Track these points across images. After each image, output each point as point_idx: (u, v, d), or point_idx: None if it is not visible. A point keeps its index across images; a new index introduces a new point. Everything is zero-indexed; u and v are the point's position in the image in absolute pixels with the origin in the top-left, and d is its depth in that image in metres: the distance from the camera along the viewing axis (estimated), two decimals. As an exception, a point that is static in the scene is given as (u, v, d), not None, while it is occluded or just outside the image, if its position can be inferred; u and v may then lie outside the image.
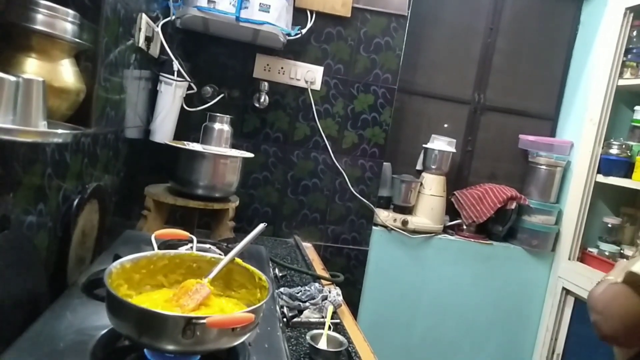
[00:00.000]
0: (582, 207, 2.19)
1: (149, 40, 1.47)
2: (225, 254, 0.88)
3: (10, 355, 0.68)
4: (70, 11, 0.85)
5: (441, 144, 2.25)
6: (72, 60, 0.91)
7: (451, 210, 2.34)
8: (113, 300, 0.67)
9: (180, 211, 1.64)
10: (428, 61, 2.32)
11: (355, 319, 1.36)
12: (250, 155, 1.67)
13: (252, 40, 1.83)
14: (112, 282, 0.72)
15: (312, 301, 1.24)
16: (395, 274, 2.20)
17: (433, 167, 2.25)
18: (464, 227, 2.31)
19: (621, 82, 2.12)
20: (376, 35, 2.01)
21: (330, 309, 1.22)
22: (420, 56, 2.30)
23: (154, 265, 0.83)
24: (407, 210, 2.23)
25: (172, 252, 0.87)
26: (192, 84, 1.74)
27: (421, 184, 2.24)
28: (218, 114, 1.73)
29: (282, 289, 1.27)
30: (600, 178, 2.14)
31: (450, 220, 2.33)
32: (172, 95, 1.64)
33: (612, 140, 2.12)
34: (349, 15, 1.96)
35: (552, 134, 2.47)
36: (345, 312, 1.33)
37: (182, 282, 0.81)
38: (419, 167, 2.34)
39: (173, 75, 1.62)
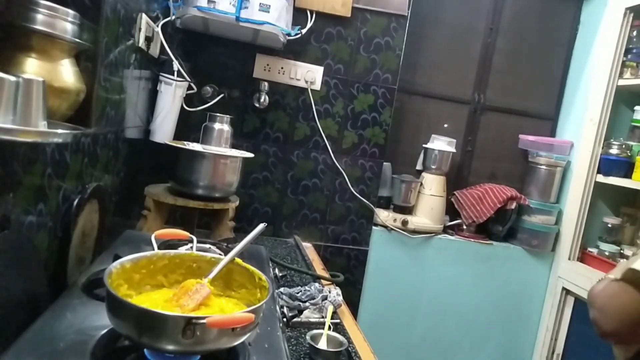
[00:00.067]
0: (582, 207, 2.19)
1: (149, 40, 1.47)
2: (225, 254, 0.88)
3: (10, 355, 0.68)
4: (70, 11, 0.85)
5: (441, 144, 2.25)
6: (72, 60, 0.91)
7: (451, 210, 2.34)
8: (113, 300, 0.67)
9: (180, 211, 1.65)
10: (428, 61, 2.32)
11: (355, 319, 1.36)
12: (250, 155, 1.67)
13: (252, 40, 1.83)
14: (112, 282, 0.72)
15: (312, 301, 1.24)
16: (395, 274, 2.20)
17: (433, 167, 2.25)
18: (464, 227, 2.31)
19: (621, 82, 2.12)
20: (376, 35, 2.01)
21: (330, 309, 1.22)
22: (420, 56, 2.30)
23: (154, 265, 0.83)
24: (407, 210, 2.23)
25: (172, 252, 0.87)
26: (192, 84, 1.74)
27: (421, 184, 2.24)
28: (218, 114, 1.73)
29: (282, 289, 1.27)
30: (600, 178, 2.14)
31: (450, 220, 2.33)
32: (172, 95, 1.64)
33: (612, 140, 2.12)
34: (349, 15, 1.96)
35: (552, 134, 2.47)
36: (345, 312, 1.33)
37: (182, 282, 0.81)
38: (419, 167, 2.34)
39: (173, 75, 1.62)
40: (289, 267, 1.58)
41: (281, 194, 2.02)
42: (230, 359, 0.75)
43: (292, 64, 1.95)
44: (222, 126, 1.73)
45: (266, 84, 1.91)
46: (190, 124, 1.83)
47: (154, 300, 0.78)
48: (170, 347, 0.65)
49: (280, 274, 1.49)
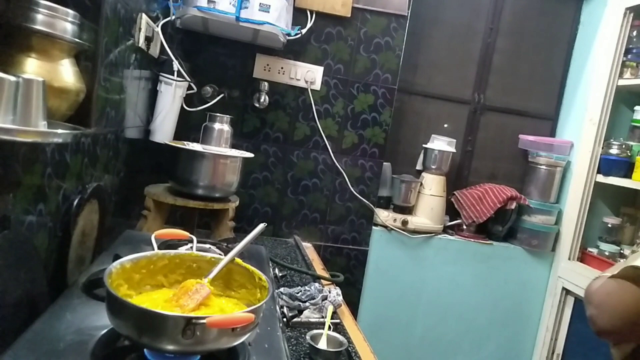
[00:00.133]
0: (582, 207, 2.19)
1: (149, 40, 1.47)
2: (225, 254, 0.88)
3: (10, 355, 0.68)
4: (70, 11, 0.85)
5: (441, 144, 2.25)
6: (72, 60, 0.91)
7: (451, 210, 2.34)
8: (113, 300, 0.67)
9: (180, 211, 1.64)
10: (428, 61, 2.32)
11: (355, 319, 1.36)
12: (250, 155, 1.67)
13: (252, 40, 1.83)
14: (112, 282, 0.72)
15: (312, 301, 1.24)
16: (395, 274, 2.20)
17: (433, 167, 2.25)
18: (464, 227, 2.31)
19: (621, 82, 2.12)
20: (376, 35, 2.01)
21: (330, 309, 1.22)
22: (420, 56, 2.30)
23: (154, 265, 0.83)
24: (407, 210, 2.23)
25: (172, 252, 0.87)
26: (192, 84, 1.74)
27: (421, 184, 2.24)
28: (218, 114, 1.73)
29: (282, 289, 1.27)
30: (600, 178, 2.14)
31: (450, 220, 2.33)
32: (172, 95, 1.64)
33: (612, 140, 2.12)
34: (349, 15, 1.96)
35: (552, 134, 2.47)
36: (345, 312, 1.33)
37: (182, 282, 0.81)
38: (419, 167, 2.34)
39: (173, 75, 1.62)
40: (289, 267, 1.58)
41: (281, 194, 2.02)
42: (230, 359, 0.75)
43: (292, 64, 1.95)
44: (222, 126, 1.73)
45: (266, 84, 1.92)
46: (190, 124, 1.83)
47: (154, 300, 0.78)
48: (170, 347, 0.65)
49: (280, 274, 1.49)
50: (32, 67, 0.81)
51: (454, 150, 2.26)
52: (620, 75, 2.12)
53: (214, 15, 1.56)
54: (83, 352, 0.71)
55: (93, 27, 1.02)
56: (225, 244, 1.27)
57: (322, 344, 1.06)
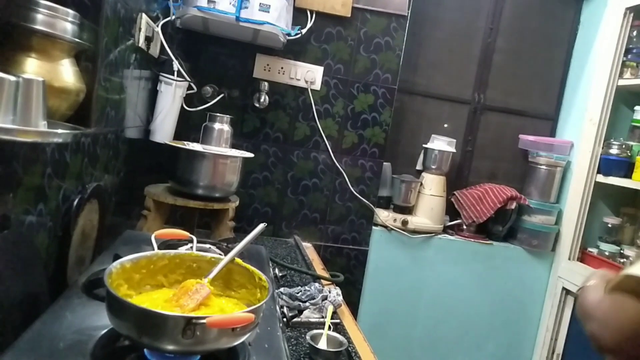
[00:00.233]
0: (582, 207, 2.19)
1: (149, 40, 1.47)
2: (225, 254, 0.88)
3: (10, 355, 0.68)
4: (70, 11, 0.85)
5: (441, 144, 2.25)
6: (72, 60, 0.91)
7: (451, 210, 2.34)
8: (113, 300, 0.67)
9: (180, 211, 1.64)
10: (428, 61, 2.32)
11: (355, 319, 1.36)
12: (250, 155, 1.67)
13: (252, 40, 1.83)
14: (112, 282, 0.72)
15: (312, 301, 1.24)
16: (396, 274, 2.20)
17: (433, 167, 2.25)
18: (464, 227, 2.31)
19: (621, 82, 2.12)
20: (376, 35, 2.01)
21: (330, 309, 1.22)
22: (420, 56, 2.30)
23: (154, 265, 0.83)
24: (407, 210, 2.23)
25: (172, 252, 0.87)
26: (192, 84, 1.74)
27: (421, 184, 2.24)
28: (218, 114, 1.73)
29: (282, 289, 1.27)
30: (600, 178, 2.14)
31: (450, 220, 2.33)
32: (172, 95, 1.64)
33: (612, 140, 2.12)
34: (349, 15, 1.96)
35: (552, 134, 2.47)
36: (345, 312, 1.33)
37: (182, 282, 0.81)
38: (419, 167, 2.34)
39: (173, 75, 1.62)
40: (289, 267, 1.58)
41: (281, 194, 2.02)
42: (230, 359, 0.75)
43: (292, 64, 1.95)
44: (222, 126, 1.73)
45: (266, 84, 1.91)
46: (190, 124, 1.83)
47: (154, 300, 0.78)
48: (170, 347, 0.65)
49: (280, 274, 1.49)
50: (32, 67, 0.81)
51: (454, 150, 2.26)
52: (620, 75, 2.12)
53: (214, 15, 1.56)
54: (83, 352, 0.71)
55: (93, 27, 1.02)
56: (225, 244, 1.27)
57: (322, 344, 1.06)
